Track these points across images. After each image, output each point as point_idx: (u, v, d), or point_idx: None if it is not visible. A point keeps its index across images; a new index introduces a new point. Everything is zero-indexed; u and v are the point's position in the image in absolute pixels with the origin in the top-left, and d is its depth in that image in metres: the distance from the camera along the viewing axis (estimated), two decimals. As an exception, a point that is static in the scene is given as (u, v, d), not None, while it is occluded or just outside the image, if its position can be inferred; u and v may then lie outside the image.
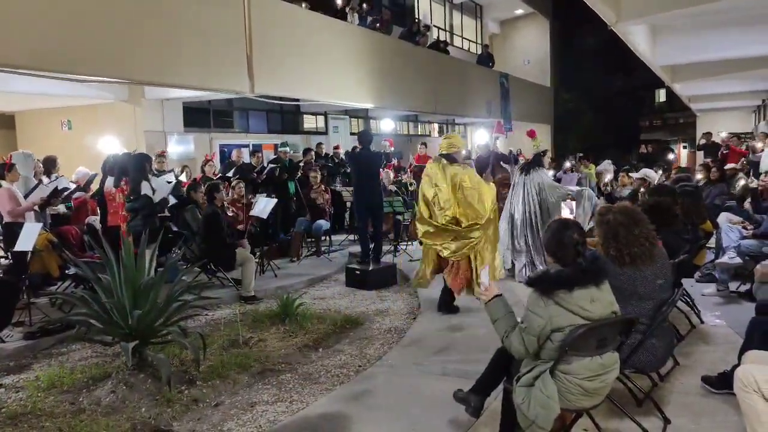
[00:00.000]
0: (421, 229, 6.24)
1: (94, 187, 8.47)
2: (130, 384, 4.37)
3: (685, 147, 34.50)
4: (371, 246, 8.29)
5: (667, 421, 3.48)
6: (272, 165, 10.61)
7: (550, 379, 2.78)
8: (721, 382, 3.76)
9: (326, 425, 3.74)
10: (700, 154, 21.57)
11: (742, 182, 8.91)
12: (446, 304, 6.28)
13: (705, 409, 3.69)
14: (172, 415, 4.08)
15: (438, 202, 5.99)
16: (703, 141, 16.75)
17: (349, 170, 11.98)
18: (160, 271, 5.01)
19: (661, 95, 38.05)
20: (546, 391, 2.75)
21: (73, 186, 8.22)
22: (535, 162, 7.82)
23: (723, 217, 7.37)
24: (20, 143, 11.88)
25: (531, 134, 8.44)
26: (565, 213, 7.69)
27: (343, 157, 12.83)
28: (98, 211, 7.94)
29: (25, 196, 7.15)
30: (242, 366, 4.85)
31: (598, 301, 2.83)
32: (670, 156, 16.80)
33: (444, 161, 6.09)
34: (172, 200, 7.69)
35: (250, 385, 4.59)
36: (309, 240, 10.13)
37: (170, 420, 4.01)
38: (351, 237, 11.23)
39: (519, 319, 3.02)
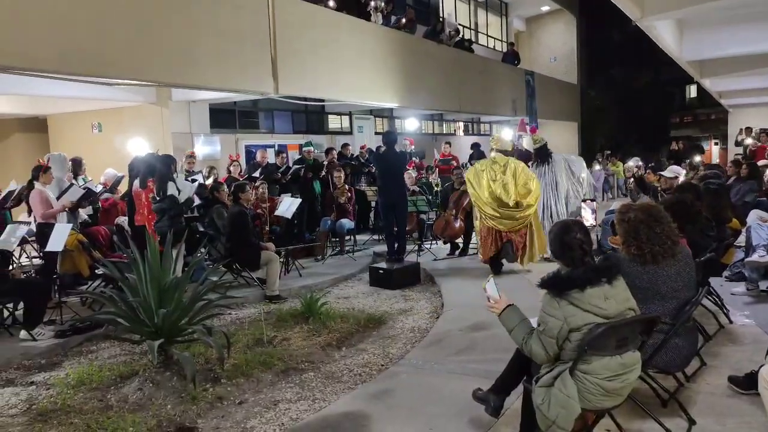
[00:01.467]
0: (487, 213, 7.71)
1: (122, 188, 8.64)
2: (157, 382, 4.45)
3: (716, 143, 33.82)
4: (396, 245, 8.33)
5: (692, 421, 3.42)
6: (297, 165, 10.69)
7: (569, 378, 2.75)
8: (749, 383, 3.68)
9: (346, 424, 3.76)
10: (731, 152, 21.16)
11: None
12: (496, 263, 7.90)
13: (731, 410, 3.62)
14: (197, 412, 4.14)
15: (502, 190, 7.56)
16: (742, 137, 16.46)
17: (373, 170, 12.04)
18: (185, 271, 5.08)
19: (692, 91, 37.38)
20: (566, 391, 2.73)
21: (99, 188, 8.39)
22: (546, 153, 8.63)
23: (753, 215, 7.20)
24: (53, 146, 12.14)
25: (532, 131, 9.35)
26: (586, 213, 7.89)
27: (368, 156, 12.90)
28: (126, 212, 8.10)
29: (58, 197, 7.31)
30: (266, 364, 4.91)
31: (613, 298, 2.80)
32: (697, 158, 16.63)
33: (499, 155, 7.91)
34: (197, 200, 7.80)
35: (274, 383, 4.64)
36: (334, 239, 10.18)
37: (195, 417, 4.08)
38: (375, 236, 11.26)
39: (535, 324, 3.02)
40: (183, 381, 4.46)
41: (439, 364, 4.74)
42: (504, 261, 7.95)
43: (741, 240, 6.82)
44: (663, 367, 3.43)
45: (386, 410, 3.93)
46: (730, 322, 5.30)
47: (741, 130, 18.01)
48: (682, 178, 8.20)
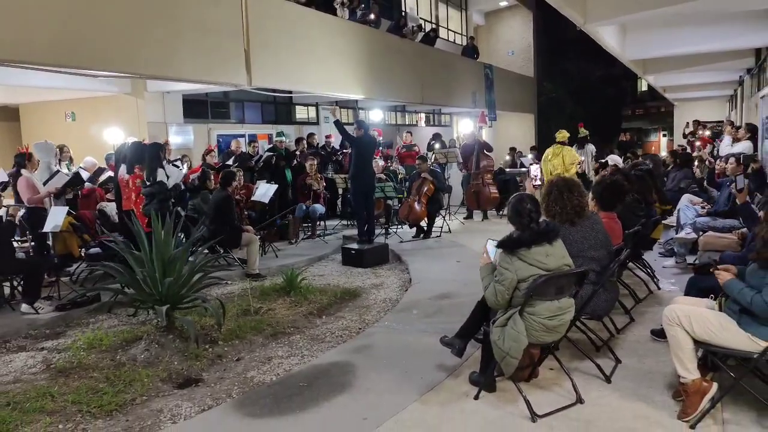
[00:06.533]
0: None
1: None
2: (161, 343, 5.02)
3: (664, 135, 35.43)
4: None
5: (618, 361, 4.22)
6: (268, 153, 11.22)
7: (519, 318, 3.49)
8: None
9: (335, 370, 4.42)
10: (677, 143, 22.43)
11: (698, 171, 9.73)
12: None
13: (650, 353, 4.45)
14: (201, 367, 4.74)
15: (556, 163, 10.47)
16: (689, 129, 17.73)
17: (340, 158, 12.68)
18: (183, 246, 5.63)
19: (644, 84, 38.85)
20: (516, 328, 3.46)
21: (86, 175, 8.81)
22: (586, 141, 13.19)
23: (685, 198, 8.14)
24: (24, 135, 12.37)
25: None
26: (532, 167, 9.75)
27: (335, 146, 13.51)
28: (106, 198, 8.55)
29: (45, 183, 7.70)
30: (257, 329, 5.53)
31: (552, 255, 3.55)
32: (639, 151, 18.38)
33: (560, 145, 10.59)
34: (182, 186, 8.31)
35: (265, 344, 5.26)
36: (305, 225, 10.78)
37: (200, 371, 4.67)
38: (344, 222, 11.89)
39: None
40: (185, 342, 5.05)
41: (410, 326, 5.45)
42: None
43: (673, 220, 7.75)
44: (591, 313, 4.19)
45: (368, 360, 4.61)
46: (659, 288, 6.18)
47: (687, 123, 19.25)
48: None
